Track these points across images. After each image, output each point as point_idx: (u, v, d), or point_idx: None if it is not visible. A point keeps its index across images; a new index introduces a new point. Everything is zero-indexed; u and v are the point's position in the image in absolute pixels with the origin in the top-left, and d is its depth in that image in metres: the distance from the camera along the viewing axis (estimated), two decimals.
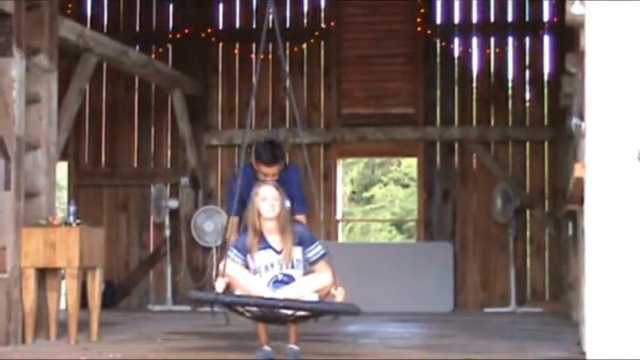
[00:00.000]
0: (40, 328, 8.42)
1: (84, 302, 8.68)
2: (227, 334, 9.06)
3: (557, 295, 12.79)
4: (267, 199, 6.21)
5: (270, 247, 6.23)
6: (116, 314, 11.68)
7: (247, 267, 6.24)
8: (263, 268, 6.20)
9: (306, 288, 6.06)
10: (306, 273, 6.28)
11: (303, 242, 6.24)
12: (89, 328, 8.59)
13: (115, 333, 9.30)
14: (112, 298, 13.07)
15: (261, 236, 6.26)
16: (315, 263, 6.23)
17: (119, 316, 11.48)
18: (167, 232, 13.15)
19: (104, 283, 10.72)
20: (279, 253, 6.21)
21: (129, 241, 13.78)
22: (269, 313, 5.97)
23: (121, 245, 13.71)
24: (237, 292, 6.05)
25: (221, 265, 6.14)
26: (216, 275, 6.20)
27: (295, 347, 6.64)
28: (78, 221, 8.51)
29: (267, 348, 6.66)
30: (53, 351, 7.86)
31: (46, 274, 8.46)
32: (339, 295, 5.97)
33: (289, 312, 5.94)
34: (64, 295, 8.60)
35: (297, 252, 6.22)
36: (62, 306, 8.75)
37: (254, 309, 6.01)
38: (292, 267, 6.21)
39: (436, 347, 8.27)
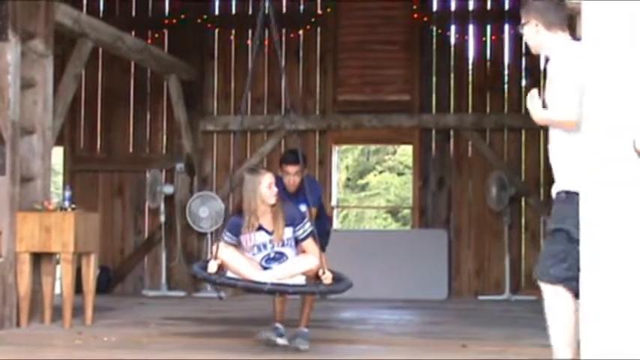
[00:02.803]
0: (34, 312, 8.43)
1: (79, 287, 8.71)
2: (222, 320, 9.07)
3: None
4: (272, 187, 6.64)
5: (262, 228, 6.63)
6: (111, 299, 11.70)
7: (240, 246, 6.67)
8: (256, 248, 6.63)
9: (293, 270, 6.50)
10: (297, 249, 6.70)
11: (293, 221, 6.66)
12: (84, 313, 8.61)
13: (109, 318, 9.31)
14: (106, 283, 13.08)
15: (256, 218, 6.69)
16: (303, 240, 6.65)
17: (114, 301, 11.49)
18: (162, 218, 13.15)
19: (99, 269, 10.73)
20: (270, 233, 6.63)
21: (124, 226, 13.77)
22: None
23: (116, 230, 13.70)
24: (229, 274, 6.47)
25: (214, 248, 6.57)
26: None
27: (305, 329, 7.06)
28: (73, 206, 8.52)
29: (278, 325, 7.12)
30: (47, 335, 7.88)
31: (40, 259, 8.47)
32: (326, 280, 6.44)
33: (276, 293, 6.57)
34: (59, 280, 8.60)
35: (288, 231, 6.65)
36: (57, 291, 8.75)
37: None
38: (283, 245, 6.63)
39: (430, 334, 8.29)
